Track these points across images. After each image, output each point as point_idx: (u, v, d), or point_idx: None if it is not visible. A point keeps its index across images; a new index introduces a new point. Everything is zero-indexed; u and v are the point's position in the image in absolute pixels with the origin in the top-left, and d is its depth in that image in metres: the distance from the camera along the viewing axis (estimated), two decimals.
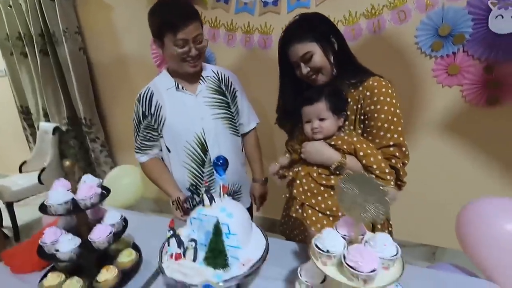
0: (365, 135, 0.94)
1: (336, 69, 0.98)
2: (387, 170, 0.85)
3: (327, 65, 0.94)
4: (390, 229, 1.03)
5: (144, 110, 1.21)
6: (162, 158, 1.32)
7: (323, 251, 0.56)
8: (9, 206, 2.45)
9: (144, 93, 1.21)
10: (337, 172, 0.88)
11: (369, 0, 1.68)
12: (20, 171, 2.81)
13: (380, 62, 1.75)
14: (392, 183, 0.86)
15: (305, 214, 0.91)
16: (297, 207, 0.94)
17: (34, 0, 2.46)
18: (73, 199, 0.80)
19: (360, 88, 0.95)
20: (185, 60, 1.12)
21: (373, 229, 0.99)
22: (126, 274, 0.90)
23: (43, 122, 2.88)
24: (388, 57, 1.74)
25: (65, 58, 2.55)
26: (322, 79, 0.97)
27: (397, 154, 0.89)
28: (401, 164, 0.89)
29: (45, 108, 2.87)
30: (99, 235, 0.83)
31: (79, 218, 0.85)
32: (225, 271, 0.72)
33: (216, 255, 0.72)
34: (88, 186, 0.81)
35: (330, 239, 0.56)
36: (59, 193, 0.78)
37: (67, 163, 0.80)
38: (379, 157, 0.86)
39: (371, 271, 0.50)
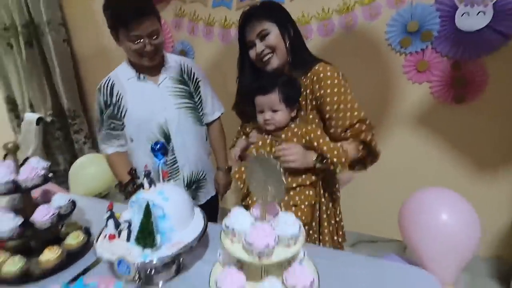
0: (327, 122, 0.96)
1: (292, 56, 0.99)
2: (341, 154, 0.88)
3: (282, 46, 0.96)
4: (337, 219, 1.04)
5: (105, 99, 1.23)
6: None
7: (229, 229, 0.58)
8: None
9: (105, 83, 1.23)
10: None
11: None
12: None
13: (353, 57, 1.78)
14: (347, 165, 0.89)
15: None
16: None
17: None
18: (14, 180, 0.83)
19: (309, 74, 0.97)
20: (141, 55, 1.14)
21: (320, 217, 1.01)
22: (72, 255, 0.92)
23: (29, 112, 2.90)
24: (360, 53, 1.75)
25: (49, 50, 2.58)
26: (275, 61, 0.98)
27: (363, 128, 0.92)
28: (371, 136, 0.93)
29: (30, 99, 2.89)
30: (42, 215, 0.85)
31: (24, 198, 0.88)
32: (153, 251, 0.74)
33: (146, 235, 0.74)
34: (30, 168, 0.83)
35: (236, 218, 0.59)
36: (0, 173, 0.81)
37: (9, 145, 0.82)
38: (331, 144, 0.89)
39: (265, 247, 0.52)
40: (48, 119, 2.82)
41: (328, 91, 0.92)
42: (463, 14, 1.47)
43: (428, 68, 1.62)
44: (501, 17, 1.42)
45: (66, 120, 2.80)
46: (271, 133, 0.96)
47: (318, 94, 0.94)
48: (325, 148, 0.88)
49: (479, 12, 1.44)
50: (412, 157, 1.81)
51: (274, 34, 0.95)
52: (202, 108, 1.34)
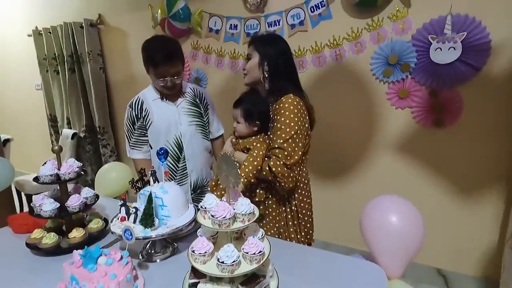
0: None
1: (269, 84, 1.20)
2: (247, 170, 1.10)
3: (255, 73, 1.19)
4: (299, 220, 1.22)
5: (136, 113, 1.53)
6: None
7: (202, 207, 0.80)
8: (29, 197, 2.85)
9: (135, 101, 1.55)
10: None
11: (331, 32, 1.96)
12: None
13: (343, 85, 2.01)
14: (243, 179, 1.09)
15: None
16: None
17: (68, 27, 2.99)
18: (57, 174, 1.11)
19: (277, 103, 1.17)
20: (163, 88, 1.46)
21: (286, 217, 1.21)
22: (93, 237, 1.17)
23: (66, 129, 3.34)
24: (349, 82, 1.98)
25: (87, 76, 3.03)
26: (245, 80, 1.25)
27: (279, 155, 1.09)
28: (280, 163, 1.08)
29: (68, 117, 3.34)
30: (73, 202, 1.11)
31: (61, 188, 1.15)
32: (152, 229, 0.97)
33: (147, 217, 0.98)
34: (68, 165, 1.11)
35: (207, 200, 0.80)
36: (47, 168, 1.09)
37: (55, 147, 1.11)
38: (253, 162, 1.11)
39: (222, 218, 0.73)
40: (82, 134, 3.23)
41: (278, 117, 1.12)
42: (436, 49, 1.68)
43: (409, 95, 1.81)
44: (469, 52, 1.61)
45: (96, 135, 3.20)
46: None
47: (274, 118, 1.15)
48: (246, 158, 1.11)
49: (450, 48, 1.64)
50: (396, 179, 1.95)
51: (253, 61, 1.19)
52: (208, 126, 1.62)
